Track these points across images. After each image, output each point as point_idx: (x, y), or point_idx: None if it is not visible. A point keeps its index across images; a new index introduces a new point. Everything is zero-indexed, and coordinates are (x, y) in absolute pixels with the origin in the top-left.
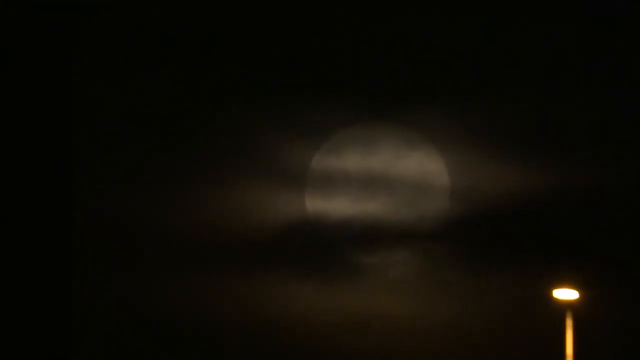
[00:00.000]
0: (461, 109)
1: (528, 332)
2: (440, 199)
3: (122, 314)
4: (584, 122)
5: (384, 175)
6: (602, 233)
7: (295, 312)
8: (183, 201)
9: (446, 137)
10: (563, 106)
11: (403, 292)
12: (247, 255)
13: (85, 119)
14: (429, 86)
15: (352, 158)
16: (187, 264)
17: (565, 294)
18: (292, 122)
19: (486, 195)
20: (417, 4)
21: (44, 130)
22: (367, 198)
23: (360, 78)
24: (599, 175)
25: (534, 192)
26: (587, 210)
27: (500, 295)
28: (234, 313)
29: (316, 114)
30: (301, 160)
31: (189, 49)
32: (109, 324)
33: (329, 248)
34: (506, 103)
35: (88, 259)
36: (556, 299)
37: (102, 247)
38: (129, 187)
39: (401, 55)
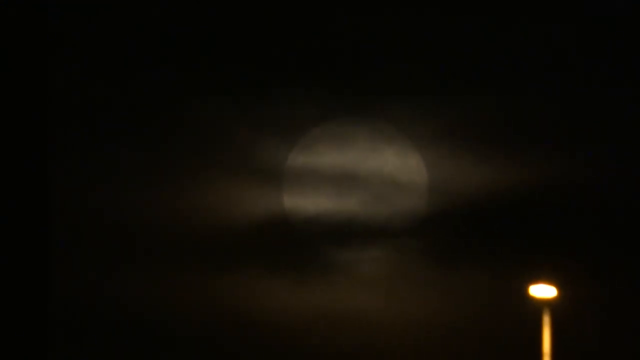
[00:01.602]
0: (439, 104)
1: (504, 329)
2: (416, 195)
3: (91, 310)
4: (567, 118)
5: (361, 171)
6: (580, 229)
7: (268, 308)
8: (158, 198)
9: (423, 132)
10: (551, 102)
11: (378, 288)
12: (221, 252)
13: (83, 117)
14: (406, 82)
15: (329, 154)
16: (160, 260)
17: (543, 290)
18: (268, 118)
19: (462, 191)
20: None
21: (26, 129)
22: (343, 194)
23: (336, 73)
24: (579, 171)
25: (511, 188)
26: (566, 207)
27: (476, 292)
28: (206, 309)
29: (292, 110)
30: (277, 156)
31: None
32: (81, 321)
33: (304, 244)
34: (483, 97)
35: (64, 255)
36: (533, 296)
37: (76, 244)
38: (106, 184)
39: (378, 50)
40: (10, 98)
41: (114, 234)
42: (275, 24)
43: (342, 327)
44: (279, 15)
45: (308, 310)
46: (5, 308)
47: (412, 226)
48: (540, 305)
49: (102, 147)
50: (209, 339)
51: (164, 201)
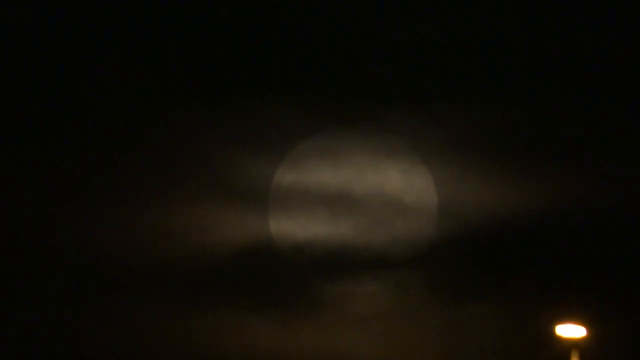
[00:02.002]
0: (450, 112)
1: None
2: (423, 219)
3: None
4: (598, 122)
5: (358, 190)
6: (613, 260)
7: (250, 350)
8: (127, 224)
9: (431, 144)
10: (565, 111)
11: (375, 328)
12: (197, 287)
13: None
14: (411, 87)
15: (320, 171)
16: (129, 293)
17: (571, 330)
18: (251, 130)
19: (477, 214)
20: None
21: None
22: (337, 218)
23: (329, 79)
24: (613, 192)
25: (533, 211)
26: (598, 233)
27: (491, 333)
28: (180, 347)
29: (276, 121)
30: (261, 175)
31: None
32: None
33: (291, 277)
34: (498, 106)
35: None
36: (560, 336)
37: (35, 276)
38: (70, 212)
39: (378, 51)
40: None
41: (79, 269)
42: (258, 26)
43: None
44: (262, 16)
45: (295, 353)
46: None
47: (417, 255)
48: (568, 346)
49: (69, 170)
50: None
51: (133, 229)
